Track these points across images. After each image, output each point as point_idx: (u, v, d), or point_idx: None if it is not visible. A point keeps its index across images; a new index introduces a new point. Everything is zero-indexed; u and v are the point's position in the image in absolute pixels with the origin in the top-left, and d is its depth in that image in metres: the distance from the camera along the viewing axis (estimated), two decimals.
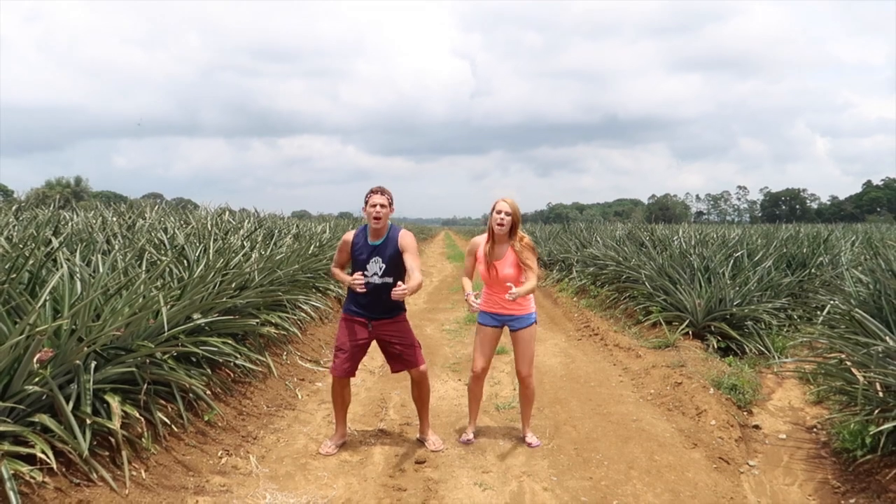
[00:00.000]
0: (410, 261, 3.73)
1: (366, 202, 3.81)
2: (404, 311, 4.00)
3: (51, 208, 9.18)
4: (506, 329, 4.07)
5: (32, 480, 2.71)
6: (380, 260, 3.81)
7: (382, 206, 3.77)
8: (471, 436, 4.19)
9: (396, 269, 3.81)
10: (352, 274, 3.88)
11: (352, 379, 5.55)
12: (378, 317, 3.88)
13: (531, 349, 4.04)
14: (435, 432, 4.21)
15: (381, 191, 3.82)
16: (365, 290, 3.67)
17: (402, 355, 3.94)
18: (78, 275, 4.01)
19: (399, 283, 3.57)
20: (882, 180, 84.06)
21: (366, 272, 3.80)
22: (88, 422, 3.07)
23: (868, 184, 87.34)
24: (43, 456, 2.73)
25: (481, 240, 4.04)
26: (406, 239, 3.81)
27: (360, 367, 5.83)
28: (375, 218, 3.77)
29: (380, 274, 3.81)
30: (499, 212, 3.90)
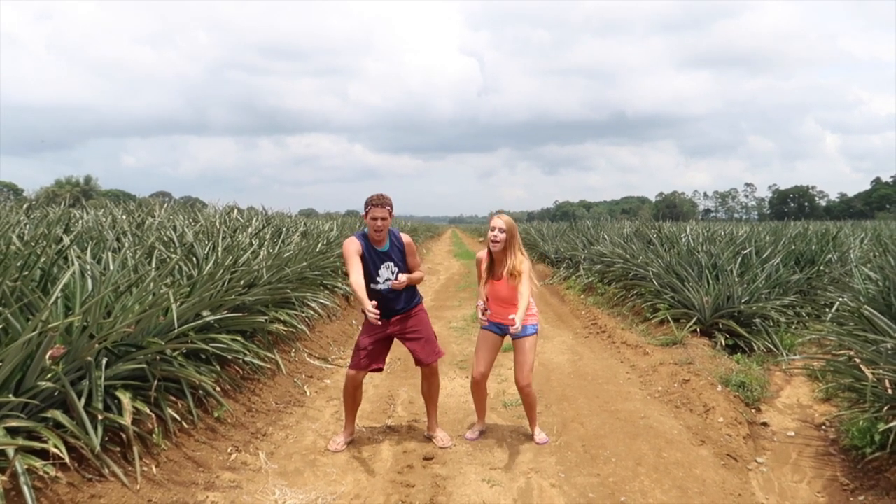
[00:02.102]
0: (413, 259, 4.05)
1: (366, 213, 3.82)
2: (420, 301, 4.12)
3: (61, 207, 9.25)
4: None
5: (45, 475, 2.74)
6: (391, 265, 3.90)
7: (384, 218, 3.80)
8: (476, 434, 4.20)
9: (405, 270, 3.96)
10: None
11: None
12: (394, 314, 3.95)
13: (531, 358, 4.02)
14: (443, 429, 4.22)
15: (382, 203, 3.79)
16: (380, 321, 3.64)
17: (424, 347, 4.00)
18: (89, 272, 4.04)
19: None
20: (892, 177, 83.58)
21: (378, 278, 3.87)
22: (100, 418, 3.10)
23: (877, 181, 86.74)
24: (56, 451, 2.77)
25: (484, 252, 4.08)
26: (411, 244, 4.03)
27: None
28: (376, 230, 3.82)
29: (393, 278, 3.87)
30: (492, 228, 3.91)
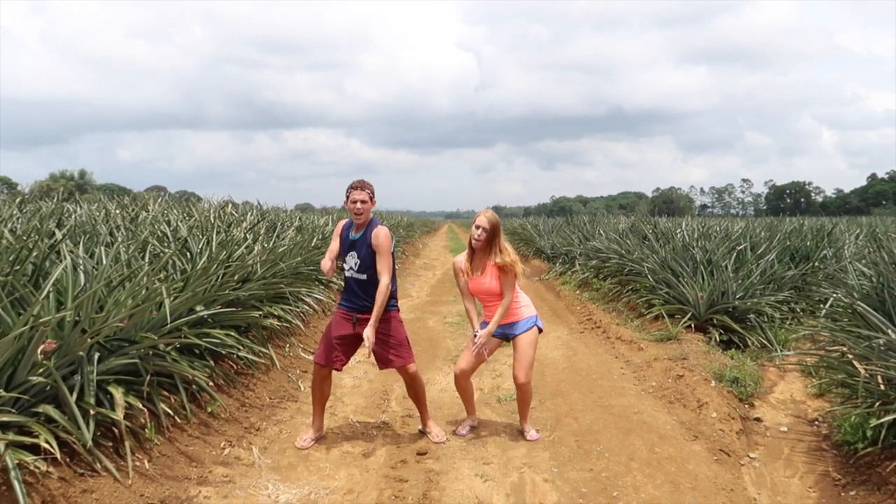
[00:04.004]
0: (380, 263, 3.76)
1: (347, 197, 3.81)
2: (394, 308, 3.90)
3: (55, 201, 9.20)
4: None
5: (37, 470, 2.73)
6: (355, 255, 3.82)
7: (363, 201, 3.76)
8: (467, 429, 4.20)
9: (371, 266, 3.79)
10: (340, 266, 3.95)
11: (354, 372, 5.57)
12: (361, 310, 3.82)
13: (530, 354, 3.98)
14: (437, 424, 4.22)
15: (362, 186, 3.79)
16: (329, 274, 3.78)
17: (388, 353, 3.87)
18: (81, 267, 4.02)
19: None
20: (887, 173, 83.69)
21: (344, 263, 3.87)
22: (92, 412, 3.09)
23: (873, 177, 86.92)
24: (47, 446, 2.76)
25: (461, 256, 4.10)
26: (378, 239, 3.74)
27: (361, 358, 5.87)
28: (356, 214, 3.79)
29: (355, 269, 3.82)
30: (477, 227, 3.93)
